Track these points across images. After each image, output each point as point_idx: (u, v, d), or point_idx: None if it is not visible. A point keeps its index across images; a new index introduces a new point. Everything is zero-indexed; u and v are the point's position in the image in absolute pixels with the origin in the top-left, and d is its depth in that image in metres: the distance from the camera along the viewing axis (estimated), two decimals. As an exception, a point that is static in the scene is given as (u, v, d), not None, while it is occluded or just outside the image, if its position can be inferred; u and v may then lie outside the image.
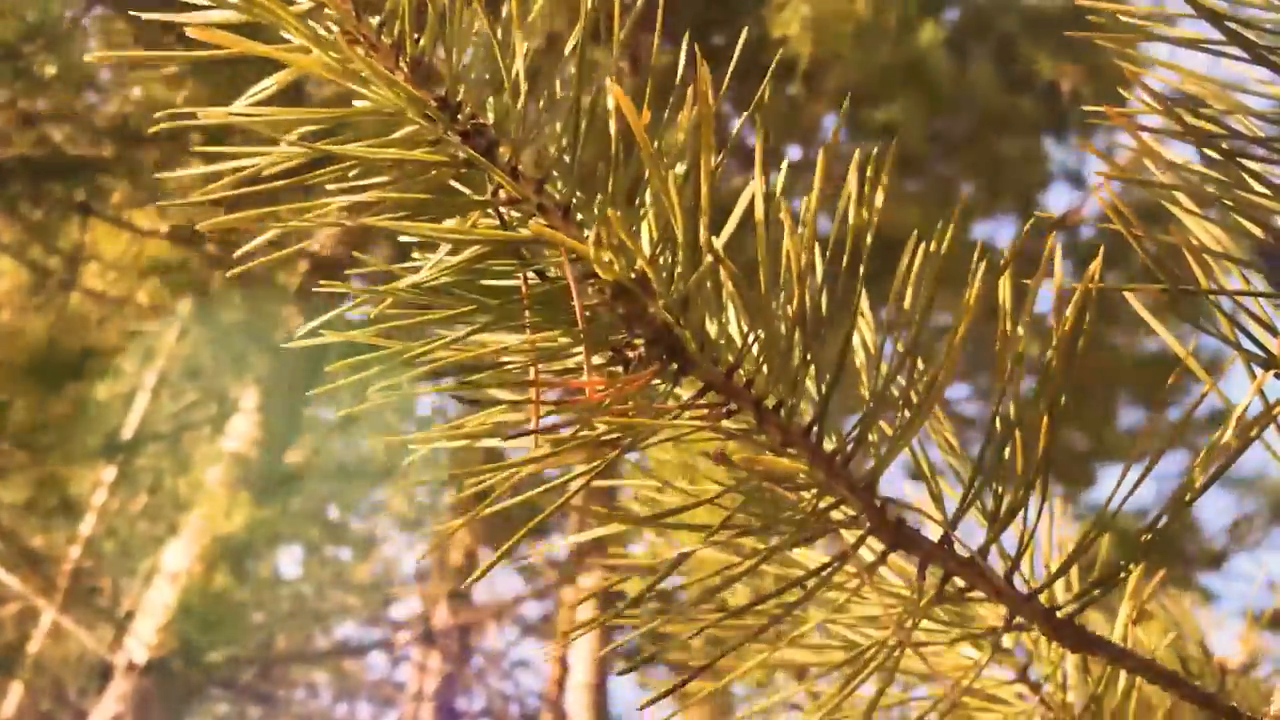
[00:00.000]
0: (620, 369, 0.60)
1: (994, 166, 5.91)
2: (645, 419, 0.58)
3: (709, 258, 0.56)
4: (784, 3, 4.95)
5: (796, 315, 0.59)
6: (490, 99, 0.60)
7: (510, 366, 0.61)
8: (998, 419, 0.61)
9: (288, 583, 9.34)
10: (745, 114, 0.64)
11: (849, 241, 0.60)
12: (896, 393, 0.62)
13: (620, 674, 0.62)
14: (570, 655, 7.35)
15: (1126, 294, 0.66)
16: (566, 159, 0.60)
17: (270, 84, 0.60)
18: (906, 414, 0.61)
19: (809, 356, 0.60)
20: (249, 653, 6.52)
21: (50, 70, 2.88)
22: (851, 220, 0.60)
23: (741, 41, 0.63)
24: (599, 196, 0.60)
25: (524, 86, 0.59)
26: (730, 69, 0.67)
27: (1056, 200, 6.83)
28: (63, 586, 6.27)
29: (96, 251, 4.66)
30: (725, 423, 0.60)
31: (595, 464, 0.60)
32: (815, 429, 0.61)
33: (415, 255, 0.61)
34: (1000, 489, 0.62)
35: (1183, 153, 0.67)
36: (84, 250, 4.27)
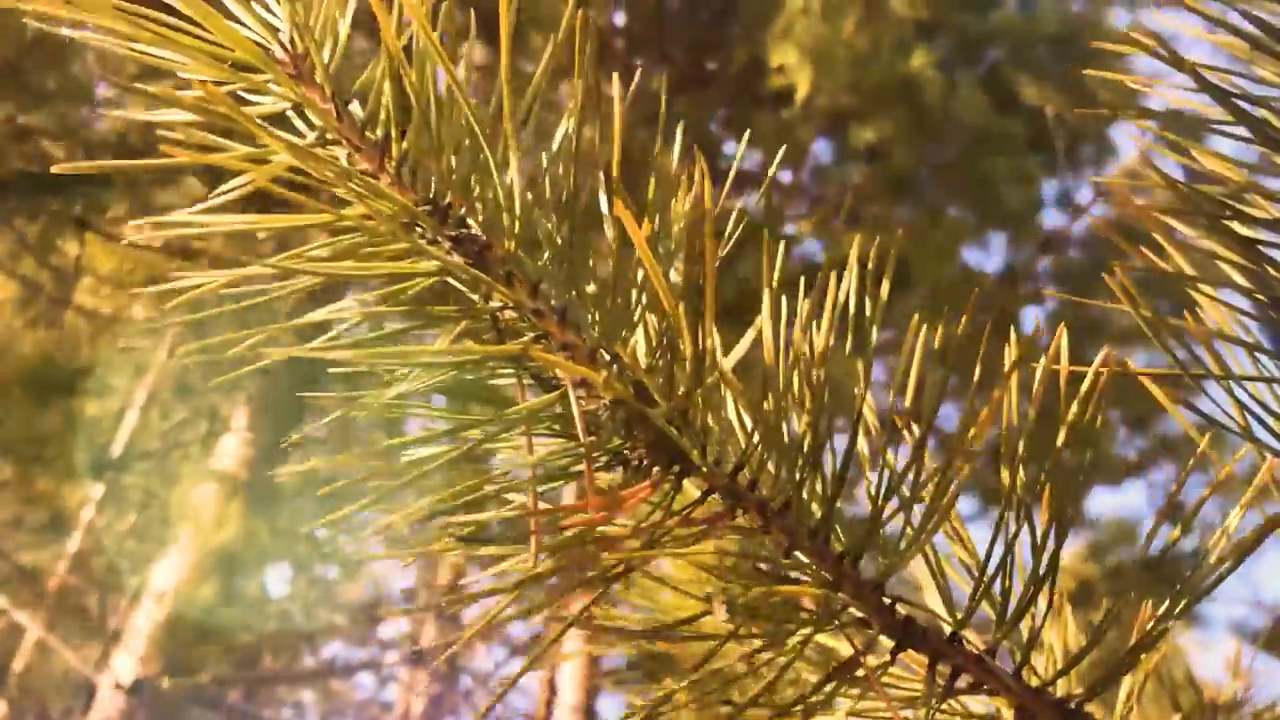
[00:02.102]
0: (621, 471, 0.59)
1: (984, 189, 5.95)
2: (646, 550, 0.57)
3: (714, 374, 0.56)
4: (783, 33, 4.99)
5: (802, 418, 0.58)
6: (479, 199, 0.57)
7: (508, 479, 0.59)
8: (1004, 519, 0.61)
9: (275, 601, 9.29)
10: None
11: (850, 338, 0.60)
12: (906, 492, 0.60)
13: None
14: (558, 677, 7.32)
15: (1141, 370, 0.66)
16: (562, 260, 0.58)
17: (239, 184, 0.56)
18: (917, 516, 0.60)
19: (815, 457, 0.59)
20: (235, 672, 6.48)
21: (49, 85, 2.89)
22: (853, 325, 0.60)
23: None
24: (595, 310, 0.57)
25: (516, 186, 0.56)
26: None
27: (1047, 221, 6.88)
28: (49, 604, 6.23)
29: (91, 266, 4.66)
30: (731, 525, 0.59)
31: (598, 590, 0.58)
32: (822, 531, 0.59)
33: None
34: (1008, 585, 0.62)
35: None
36: (79, 265, 4.27)
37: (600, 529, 0.56)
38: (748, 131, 5.67)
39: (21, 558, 6.16)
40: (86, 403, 5.13)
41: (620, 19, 5.44)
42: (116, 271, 4.71)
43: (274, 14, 0.56)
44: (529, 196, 0.57)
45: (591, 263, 0.58)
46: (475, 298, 0.57)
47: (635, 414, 0.56)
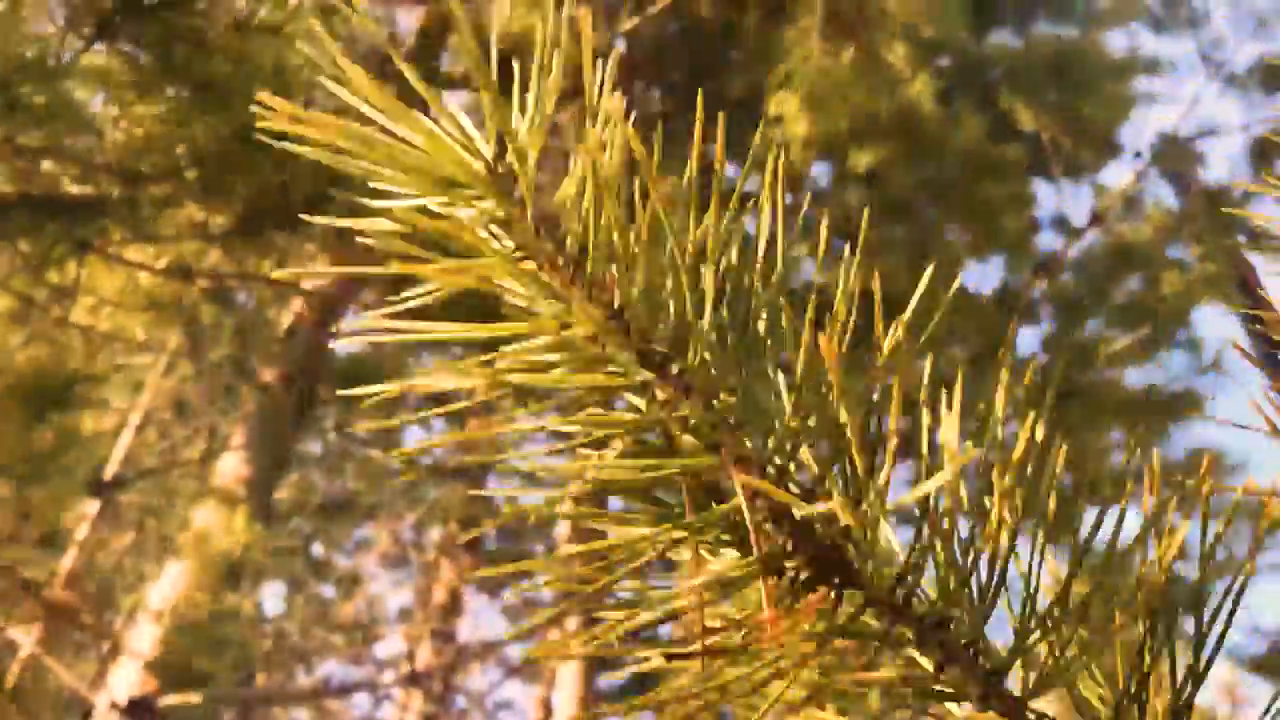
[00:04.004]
0: (777, 583, 0.59)
1: (981, 212, 5.98)
2: (821, 664, 0.58)
3: (881, 492, 0.57)
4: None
5: (953, 533, 0.59)
6: (663, 313, 0.59)
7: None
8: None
9: (271, 620, 9.25)
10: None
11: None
12: (1052, 620, 0.61)
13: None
14: (554, 697, 7.29)
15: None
16: (738, 374, 0.59)
17: (428, 290, 0.60)
18: (1064, 641, 0.60)
19: (970, 575, 0.60)
20: (231, 691, 6.46)
21: (43, 106, 2.91)
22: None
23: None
24: (769, 422, 0.59)
25: (708, 311, 0.59)
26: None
27: (1042, 242, 6.91)
28: (44, 621, 6.22)
29: (91, 287, 4.67)
30: (892, 639, 0.60)
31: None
32: (974, 647, 0.60)
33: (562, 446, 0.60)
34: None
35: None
36: (78, 285, 4.28)
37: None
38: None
39: (16, 574, 6.15)
40: (83, 419, 5.13)
41: (620, 44, 5.48)
42: (118, 293, 4.72)
43: (475, 129, 0.58)
44: (712, 317, 0.59)
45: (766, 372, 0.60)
46: (653, 409, 0.59)
47: (804, 527, 0.58)
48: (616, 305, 0.58)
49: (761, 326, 0.60)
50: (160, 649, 5.24)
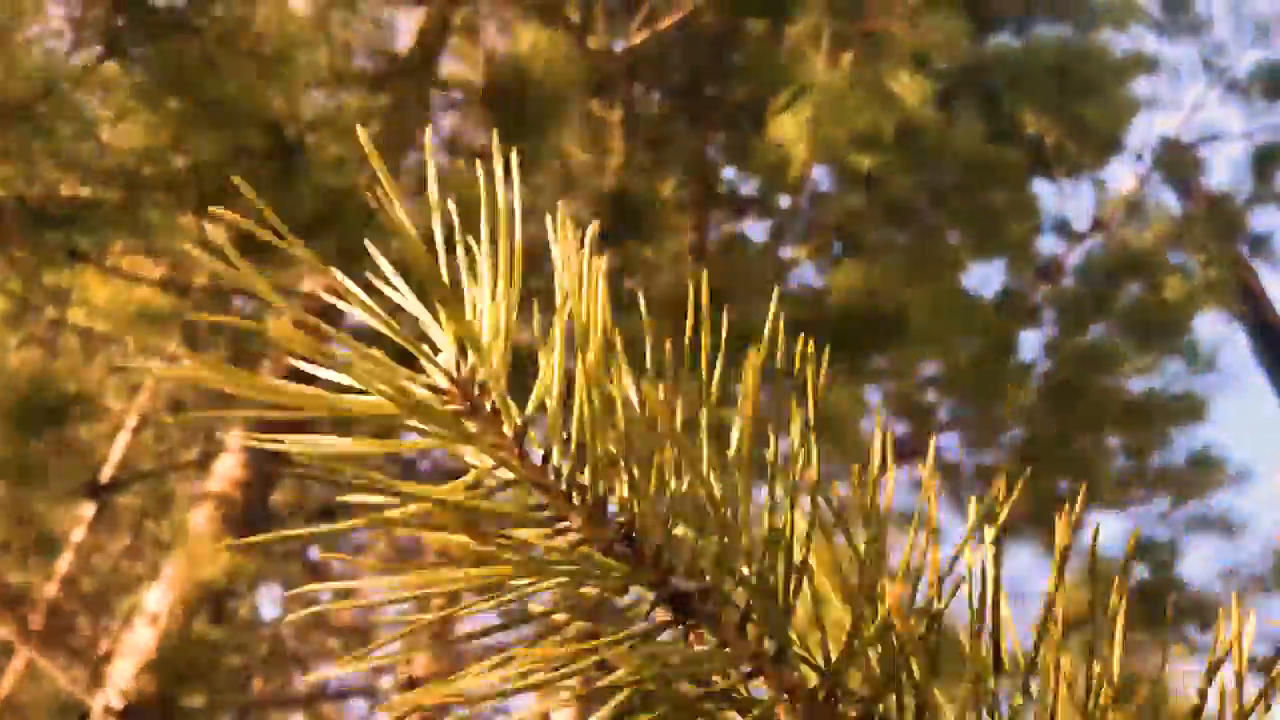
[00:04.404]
0: None
1: (983, 215, 5.96)
2: None
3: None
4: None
5: None
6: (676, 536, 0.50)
7: None
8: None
9: (267, 624, 9.23)
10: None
11: None
12: None
13: None
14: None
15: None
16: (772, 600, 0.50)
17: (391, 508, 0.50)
18: None
19: None
20: (227, 696, 6.44)
21: (53, 120, 2.91)
22: None
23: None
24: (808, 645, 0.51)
25: (744, 533, 0.50)
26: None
27: (1044, 246, 6.89)
28: (39, 626, 6.19)
29: (85, 296, 4.65)
30: None
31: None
32: None
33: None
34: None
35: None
36: (72, 289, 4.27)
37: None
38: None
39: (11, 579, 6.13)
40: (79, 422, 5.10)
41: (619, 45, 5.46)
42: (110, 303, 4.69)
43: (432, 331, 0.47)
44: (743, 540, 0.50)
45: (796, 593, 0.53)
46: (676, 651, 0.51)
47: None
48: (625, 529, 0.48)
49: (797, 532, 0.51)
50: (157, 654, 5.22)
